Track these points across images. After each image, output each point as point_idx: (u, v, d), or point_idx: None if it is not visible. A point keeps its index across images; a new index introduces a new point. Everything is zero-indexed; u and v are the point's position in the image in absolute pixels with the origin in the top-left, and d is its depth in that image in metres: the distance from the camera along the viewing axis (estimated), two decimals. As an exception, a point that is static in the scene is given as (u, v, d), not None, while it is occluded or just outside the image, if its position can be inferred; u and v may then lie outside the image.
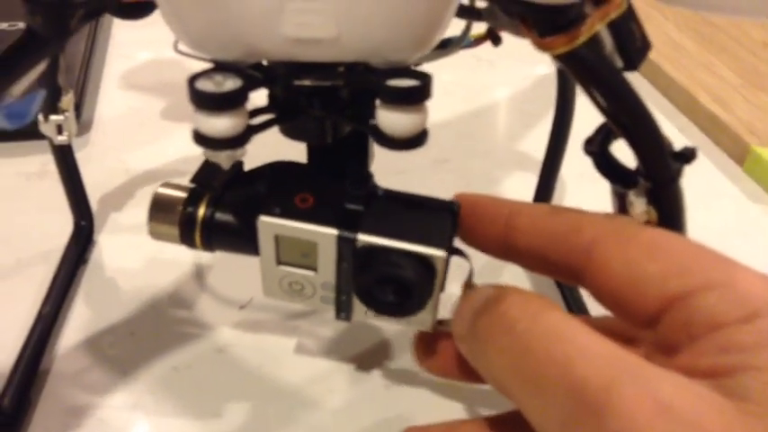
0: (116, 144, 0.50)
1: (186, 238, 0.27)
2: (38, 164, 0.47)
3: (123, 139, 0.50)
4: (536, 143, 0.42)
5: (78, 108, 0.51)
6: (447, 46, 0.27)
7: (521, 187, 0.46)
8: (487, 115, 0.55)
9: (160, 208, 0.27)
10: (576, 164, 0.45)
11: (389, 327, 0.36)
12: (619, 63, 0.23)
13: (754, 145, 0.47)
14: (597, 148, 0.27)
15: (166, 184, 0.27)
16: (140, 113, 0.53)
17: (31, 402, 0.31)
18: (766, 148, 0.47)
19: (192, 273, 0.39)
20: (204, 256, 0.40)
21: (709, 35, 0.61)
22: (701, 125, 0.52)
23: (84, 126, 0.51)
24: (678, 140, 0.25)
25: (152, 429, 0.31)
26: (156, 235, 0.27)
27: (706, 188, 0.47)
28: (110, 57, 0.61)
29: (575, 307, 0.37)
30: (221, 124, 0.23)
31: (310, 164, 0.30)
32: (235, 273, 0.39)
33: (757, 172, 0.47)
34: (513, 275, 0.40)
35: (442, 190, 0.28)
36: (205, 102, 0.23)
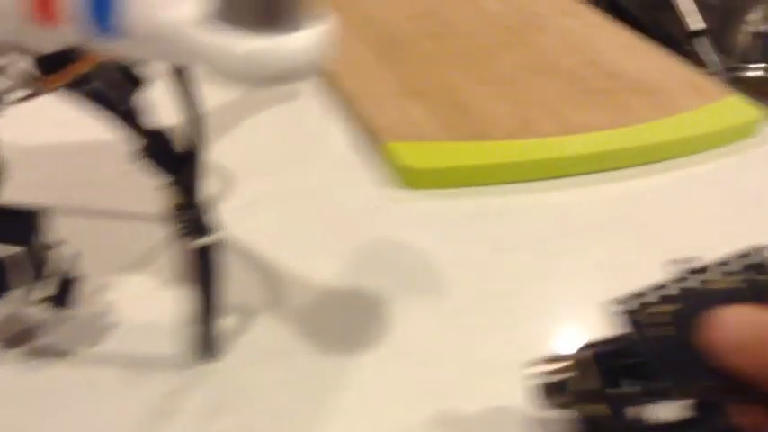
0: None
1: None
2: None
3: None
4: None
5: None
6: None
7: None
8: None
9: None
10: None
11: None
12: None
13: (389, 141, 0.60)
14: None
15: None
16: None
17: None
18: (398, 142, 0.60)
19: None
20: None
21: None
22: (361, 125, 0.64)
23: None
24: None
25: None
26: None
27: (355, 178, 0.59)
28: None
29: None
30: None
31: None
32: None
33: (391, 162, 0.60)
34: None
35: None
36: None
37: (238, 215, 0.53)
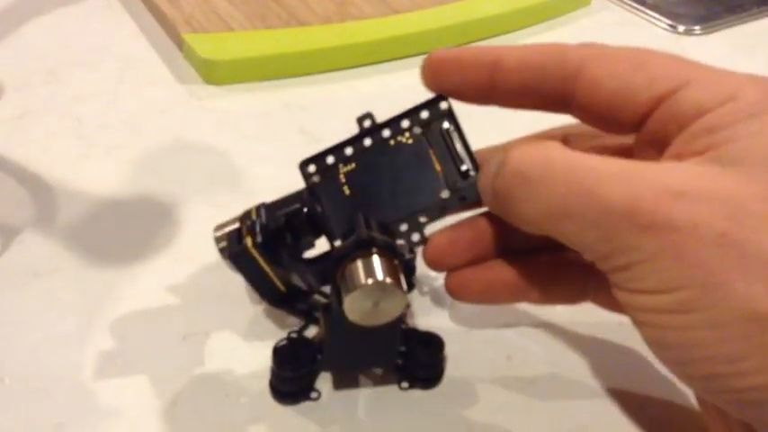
0: None
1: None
2: None
3: None
4: None
5: None
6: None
7: None
8: None
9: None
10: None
11: None
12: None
13: (184, 33, 0.54)
14: None
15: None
16: None
17: None
18: (196, 34, 0.54)
19: None
20: None
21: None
22: (157, 20, 0.58)
23: None
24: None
25: None
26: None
27: (150, 78, 0.53)
28: None
29: None
30: None
31: None
32: None
33: (189, 56, 0.54)
34: None
35: None
36: None
37: (11, 128, 0.47)
